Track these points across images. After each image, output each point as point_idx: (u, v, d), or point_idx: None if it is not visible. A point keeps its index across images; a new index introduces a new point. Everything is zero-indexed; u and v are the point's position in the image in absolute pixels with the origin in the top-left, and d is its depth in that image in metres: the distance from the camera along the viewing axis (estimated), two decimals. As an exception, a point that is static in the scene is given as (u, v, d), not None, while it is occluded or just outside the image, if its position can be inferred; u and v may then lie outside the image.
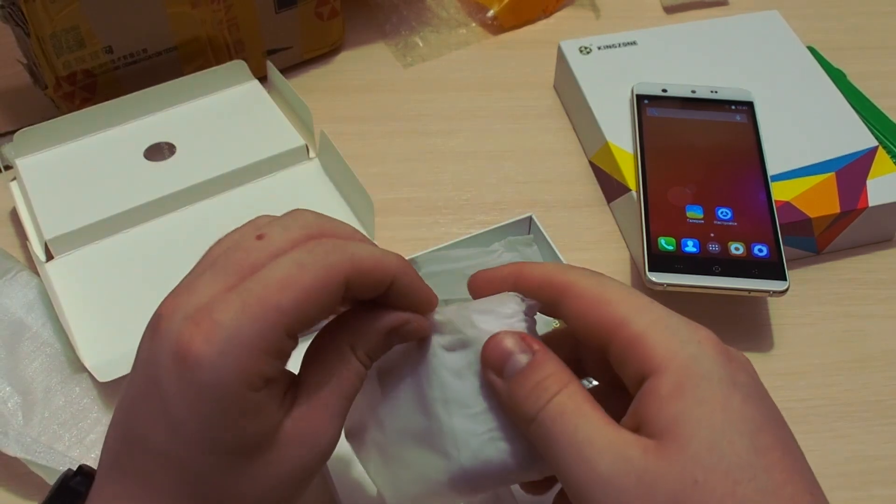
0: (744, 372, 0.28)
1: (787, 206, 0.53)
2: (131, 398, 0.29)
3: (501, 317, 0.31)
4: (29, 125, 0.56)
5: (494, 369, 0.30)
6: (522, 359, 0.29)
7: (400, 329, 0.31)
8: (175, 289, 0.29)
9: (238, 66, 0.61)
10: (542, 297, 0.31)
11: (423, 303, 0.32)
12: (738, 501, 0.25)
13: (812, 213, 0.53)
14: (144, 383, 0.28)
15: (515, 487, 0.40)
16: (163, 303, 0.29)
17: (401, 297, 0.31)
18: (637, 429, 0.27)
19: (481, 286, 0.33)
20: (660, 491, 0.25)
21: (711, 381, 0.27)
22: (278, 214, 0.31)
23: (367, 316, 0.31)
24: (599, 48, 0.63)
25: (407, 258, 0.49)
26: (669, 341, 0.27)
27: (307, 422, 0.29)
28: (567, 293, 0.30)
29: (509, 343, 0.30)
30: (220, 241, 0.31)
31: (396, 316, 0.31)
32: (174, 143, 0.58)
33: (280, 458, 0.28)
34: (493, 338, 0.30)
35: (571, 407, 0.27)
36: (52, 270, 0.52)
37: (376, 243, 0.52)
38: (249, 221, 0.31)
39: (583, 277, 0.30)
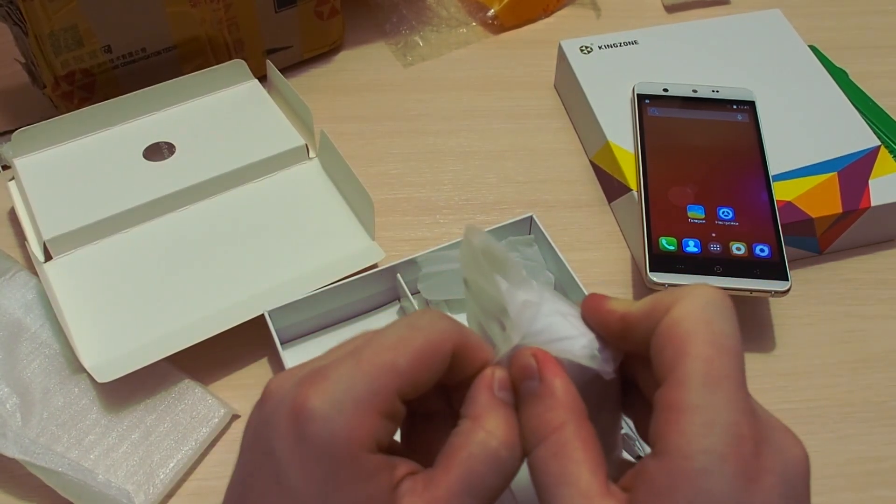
0: (768, 494, 0.25)
1: (788, 205, 0.53)
2: (242, 476, 0.28)
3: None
4: (27, 125, 0.56)
5: (517, 384, 0.30)
6: (533, 385, 0.29)
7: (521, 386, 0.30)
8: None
9: (238, 65, 0.61)
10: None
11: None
12: None
13: (814, 213, 0.52)
14: (256, 454, 0.27)
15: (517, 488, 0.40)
16: (270, 381, 0.28)
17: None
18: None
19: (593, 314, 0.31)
20: None
21: (710, 501, 0.24)
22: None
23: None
24: (600, 47, 0.63)
25: (407, 258, 0.49)
26: (693, 441, 0.25)
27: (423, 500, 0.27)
28: (668, 314, 0.28)
29: (527, 362, 0.29)
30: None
31: (512, 374, 0.30)
32: (173, 142, 0.58)
33: None
34: (518, 352, 0.30)
35: (564, 450, 0.27)
36: (50, 271, 0.51)
37: (376, 244, 0.52)
38: None
39: (693, 302, 0.28)
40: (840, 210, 0.53)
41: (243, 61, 0.61)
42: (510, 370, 0.30)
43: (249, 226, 0.54)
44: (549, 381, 0.28)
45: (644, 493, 0.25)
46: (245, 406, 0.48)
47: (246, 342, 0.50)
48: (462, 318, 0.45)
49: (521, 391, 0.29)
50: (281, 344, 0.47)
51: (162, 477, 0.44)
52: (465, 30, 0.71)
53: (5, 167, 0.57)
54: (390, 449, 0.28)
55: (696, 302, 0.27)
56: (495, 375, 0.29)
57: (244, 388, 0.49)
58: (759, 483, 0.25)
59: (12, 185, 0.56)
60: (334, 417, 0.25)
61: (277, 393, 0.27)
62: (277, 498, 0.26)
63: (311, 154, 0.59)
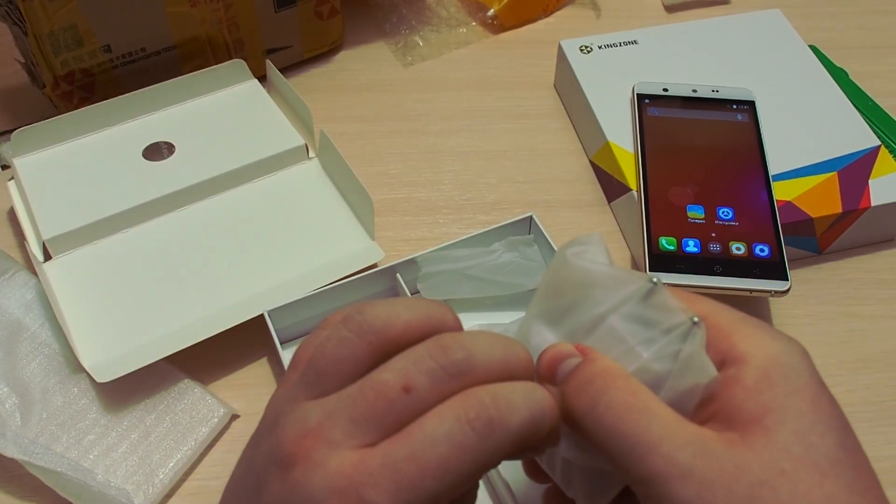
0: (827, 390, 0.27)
1: (788, 205, 0.53)
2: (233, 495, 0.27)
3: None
4: (27, 124, 0.56)
5: (548, 377, 0.29)
6: (573, 361, 0.28)
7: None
8: (303, 415, 0.26)
9: (237, 65, 0.61)
10: None
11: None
12: (824, 495, 0.24)
13: (814, 213, 0.52)
14: (245, 484, 0.27)
15: (516, 483, 0.40)
16: (287, 430, 0.26)
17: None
18: (712, 417, 0.27)
19: None
20: (745, 480, 0.25)
21: (802, 375, 0.26)
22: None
23: None
24: (600, 47, 0.63)
25: (407, 258, 0.49)
26: (758, 334, 0.27)
27: None
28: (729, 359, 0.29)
29: (561, 348, 0.29)
30: (322, 354, 0.28)
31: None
32: (173, 142, 0.58)
33: None
34: (546, 350, 0.29)
35: (637, 403, 0.27)
36: (50, 270, 0.51)
37: (376, 244, 0.52)
38: (350, 335, 0.27)
39: (762, 351, 0.28)
40: (840, 210, 0.53)
41: (243, 61, 0.61)
42: (538, 368, 0.29)
43: (249, 226, 0.54)
44: (593, 352, 0.29)
45: (739, 397, 0.26)
46: (245, 406, 0.48)
47: (245, 342, 0.50)
48: (463, 318, 0.45)
49: (559, 374, 0.28)
50: (280, 344, 0.47)
51: (161, 477, 0.44)
52: (464, 30, 0.70)
53: (5, 167, 0.57)
54: None
55: (767, 352, 0.28)
56: None
57: (244, 387, 0.49)
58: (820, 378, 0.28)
59: (12, 184, 0.56)
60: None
61: (304, 478, 0.25)
62: None
63: (311, 154, 0.59)
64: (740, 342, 0.27)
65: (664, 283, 0.29)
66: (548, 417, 0.27)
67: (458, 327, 0.29)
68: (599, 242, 0.30)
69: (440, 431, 0.25)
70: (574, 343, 0.30)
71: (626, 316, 0.29)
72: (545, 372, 0.29)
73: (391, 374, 0.26)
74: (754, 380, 0.26)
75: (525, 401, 0.26)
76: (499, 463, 0.26)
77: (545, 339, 0.30)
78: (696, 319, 0.27)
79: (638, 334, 0.29)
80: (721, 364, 0.27)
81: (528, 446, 0.27)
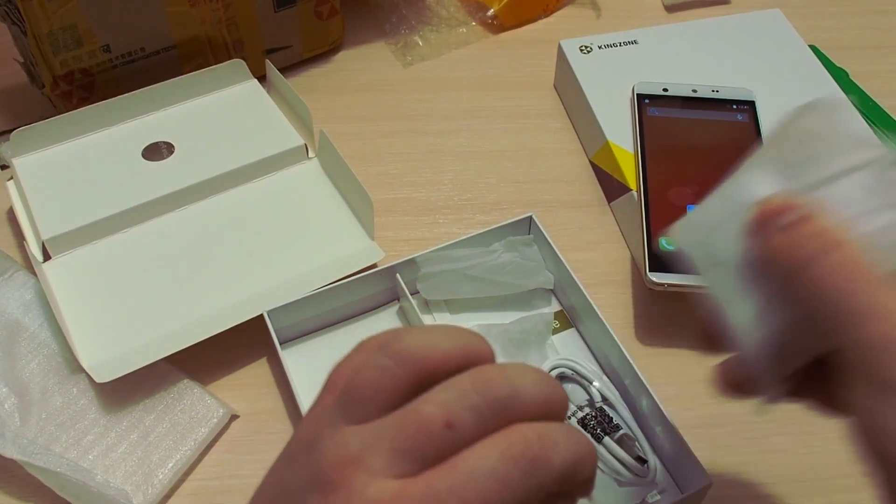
0: None
1: (788, 205, 0.53)
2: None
3: None
4: (26, 124, 0.56)
5: (762, 223, 0.29)
6: (800, 211, 0.28)
7: None
8: (343, 441, 0.26)
9: (237, 65, 0.61)
10: None
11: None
12: None
13: (814, 213, 0.52)
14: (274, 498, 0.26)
15: None
16: (327, 455, 0.26)
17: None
18: None
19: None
20: None
21: None
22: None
23: None
24: (600, 47, 0.63)
25: (407, 258, 0.49)
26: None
27: None
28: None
29: (791, 200, 0.29)
30: (359, 380, 0.27)
31: None
32: (173, 142, 0.58)
33: None
34: (771, 198, 0.29)
35: (867, 269, 0.27)
36: (49, 270, 0.51)
37: (376, 244, 0.52)
38: (389, 362, 0.27)
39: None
40: (840, 210, 0.53)
41: (243, 61, 0.61)
42: (759, 212, 0.29)
43: (248, 226, 0.54)
44: (815, 212, 0.28)
45: None
46: (244, 406, 0.48)
47: (245, 342, 0.50)
48: (463, 318, 0.45)
49: (784, 219, 0.29)
50: (280, 344, 0.47)
51: (160, 477, 0.44)
52: (464, 30, 0.70)
53: (4, 167, 0.57)
54: None
55: None
56: None
57: (243, 388, 0.49)
58: None
59: (11, 184, 0.56)
60: None
61: (316, 458, 0.25)
62: None
63: (311, 154, 0.59)
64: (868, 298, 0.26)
65: None
66: (588, 462, 0.27)
67: (492, 357, 0.28)
68: (850, 107, 0.29)
69: (484, 466, 0.25)
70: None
71: (861, 183, 0.28)
72: (762, 218, 0.29)
73: (434, 407, 0.26)
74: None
75: (568, 442, 0.26)
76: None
77: (765, 188, 0.30)
78: None
79: (868, 203, 0.28)
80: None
81: (565, 489, 0.26)
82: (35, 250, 0.52)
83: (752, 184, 0.30)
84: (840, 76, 0.65)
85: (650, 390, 0.44)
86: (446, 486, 0.24)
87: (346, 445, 0.26)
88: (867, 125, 0.29)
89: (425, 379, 0.27)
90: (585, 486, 0.27)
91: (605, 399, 0.46)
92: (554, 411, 0.27)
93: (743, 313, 0.30)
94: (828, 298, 0.27)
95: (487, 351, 0.28)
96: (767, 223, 0.29)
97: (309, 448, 0.27)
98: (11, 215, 0.56)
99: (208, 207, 0.55)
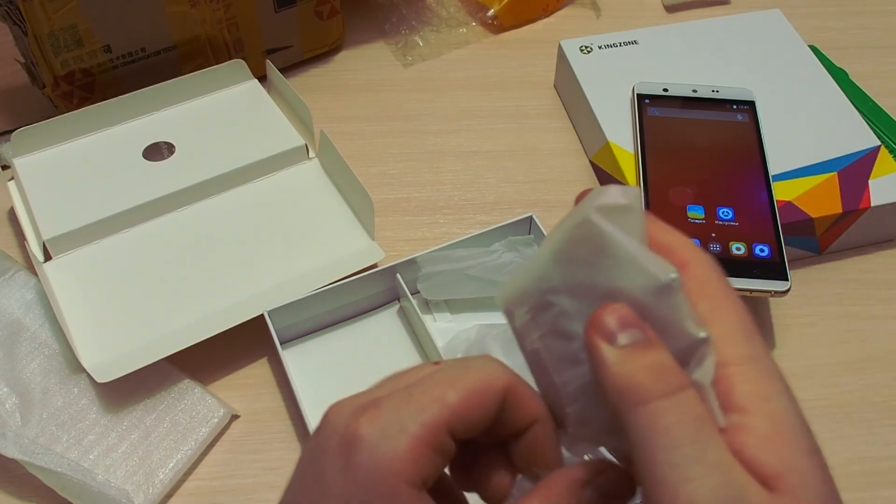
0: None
1: (788, 205, 0.53)
2: (293, 491, 0.28)
3: None
4: (27, 125, 0.56)
5: (605, 334, 0.27)
6: (637, 335, 0.26)
7: (593, 482, 0.28)
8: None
9: (237, 65, 0.61)
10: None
11: (550, 461, 0.29)
12: None
13: (814, 213, 0.52)
14: (306, 472, 0.27)
15: None
16: (329, 408, 0.28)
17: (532, 448, 0.29)
18: None
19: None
20: None
21: (808, 436, 0.25)
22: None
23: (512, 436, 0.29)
24: (600, 47, 0.63)
25: (407, 258, 0.49)
26: (763, 384, 0.26)
27: None
28: (687, 271, 0.28)
29: (631, 316, 0.27)
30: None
31: (581, 470, 0.28)
32: (173, 142, 0.58)
33: None
34: (613, 304, 0.27)
35: (704, 419, 0.25)
36: (50, 271, 0.51)
37: (376, 244, 0.52)
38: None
39: (704, 257, 0.28)
40: (840, 210, 0.53)
41: (243, 61, 0.61)
42: (597, 317, 0.27)
43: (249, 226, 0.54)
44: (655, 337, 0.27)
45: (755, 447, 0.25)
46: (244, 406, 0.48)
47: (245, 342, 0.50)
48: (463, 318, 0.45)
49: (622, 338, 0.26)
50: (280, 344, 0.47)
51: (161, 477, 0.44)
52: (464, 30, 0.70)
53: (5, 167, 0.57)
54: (439, 483, 0.28)
55: (710, 264, 0.28)
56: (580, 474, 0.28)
57: (244, 388, 0.49)
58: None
59: (12, 184, 0.56)
60: (379, 443, 0.26)
61: (333, 420, 0.27)
62: None
63: (311, 154, 0.59)
64: (742, 387, 0.26)
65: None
66: (541, 405, 0.29)
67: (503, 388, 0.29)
68: (634, 209, 0.26)
69: (449, 362, 0.29)
70: (578, 310, 0.28)
71: (636, 305, 0.27)
72: (604, 328, 0.27)
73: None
74: (767, 431, 0.25)
75: None
76: (499, 402, 0.28)
77: (549, 287, 0.28)
78: (703, 335, 0.25)
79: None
80: (724, 406, 0.26)
81: (523, 410, 0.28)
82: (36, 250, 0.52)
83: (539, 281, 0.28)
84: (840, 76, 0.65)
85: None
86: (417, 377, 0.28)
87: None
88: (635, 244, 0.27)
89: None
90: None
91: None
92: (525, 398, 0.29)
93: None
94: (652, 443, 0.25)
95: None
96: (604, 335, 0.27)
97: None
98: (12, 215, 0.56)
99: (209, 207, 0.55)
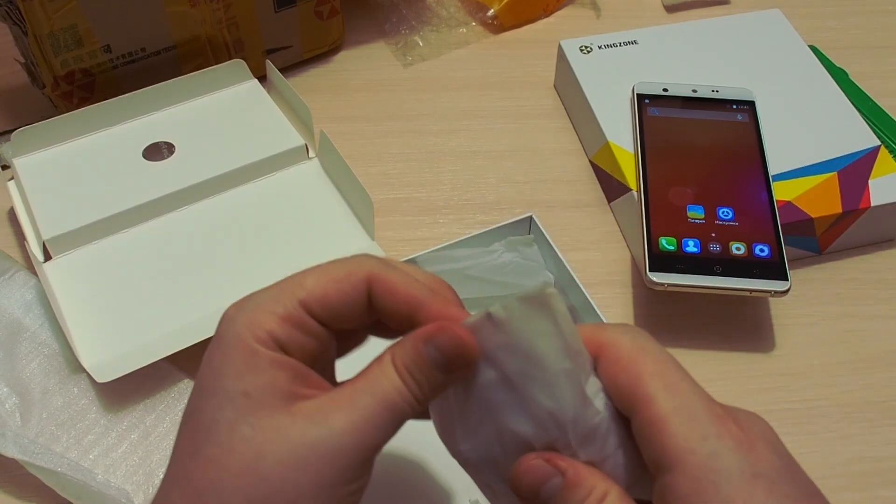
0: (766, 455, 0.27)
1: (788, 205, 0.53)
2: None
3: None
4: (27, 124, 0.56)
5: (532, 498, 0.29)
6: (556, 482, 0.29)
7: (434, 338, 0.29)
8: None
9: (237, 65, 0.61)
10: None
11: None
12: None
13: (814, 213, 0.52)
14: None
15: None
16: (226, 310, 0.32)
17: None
18: None
19: None
20: None
21: (731, 478, 0.26)
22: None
23: (409, 331, 0.30)
24: (600, 47, 0.63)
25: (407, 258, 0.49)
26: (689, 435, 0.27)
27: (322, 403, 0.28)
28: (603, 354, 0.29)
29: (540, 469, 0.29)
30: None
31: (429, 326, 0.30)
32: (173, 142, 0.58)
33: (286, 428, 0.27)
34: (519, 466, 0.29)
35: None
36: (50, 270, 0.51)
37: (376, 244, 0.52)
38: None
39: (621, 336, 0.29)
40: (840, 210, 0.53)
41: (243, 61, 0.61)
42: (515, 486, 0.30)
43: (249, 226, 0.54)
44: (573, 471, 0.29)
45: (678, 501, 0.27)
46: (244, 406, 0.48)
47: (245, 342, 0.50)
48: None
49: (545, 493, 0.29)
50: (280, 344, 0.47)
51: (161, 477, 0.44)
52: (464, 30, 0.70)
53: (5, 167, 0.57)
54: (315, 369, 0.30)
55: (625, 337, 0.29)
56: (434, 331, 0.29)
57: (244, 388, 0.49)
58: (757, 449, 0.27)
59: (12, 184, 0.56)
60: (236, 317, 0.30)
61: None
62: (195, 390, 0.30)
63: (311, 154, 0.59)
64: (672, 442, 0.27)
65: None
66: (415, 290, 0.31)
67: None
68: (551, 306, 0.28)
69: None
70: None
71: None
72: (528, 494, 0.29)
73: None
74: (686, 492, 0.26)
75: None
76: (363, 285, 0.30)
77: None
78: (568, 365, 0.28)
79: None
80: (657, 464, 0.27)
81: (393, 298, 0.30)
82: (36, 250, 0.52)
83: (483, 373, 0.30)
84: (840, 76, 0.65)
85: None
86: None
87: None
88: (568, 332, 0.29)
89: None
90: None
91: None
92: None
93: None
94: None
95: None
96: (534, 498, 0.29)
97: None
98: (12, 215, 0.56)
99: (209, 207, 0.55)
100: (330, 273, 0.30)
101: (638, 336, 0.30)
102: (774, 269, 0.48)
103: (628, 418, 0.29)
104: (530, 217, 0.52)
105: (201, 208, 0.55)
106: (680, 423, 0.27)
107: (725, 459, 0.26)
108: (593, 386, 0.29)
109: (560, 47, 0.63)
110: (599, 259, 0.55)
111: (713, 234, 0.50)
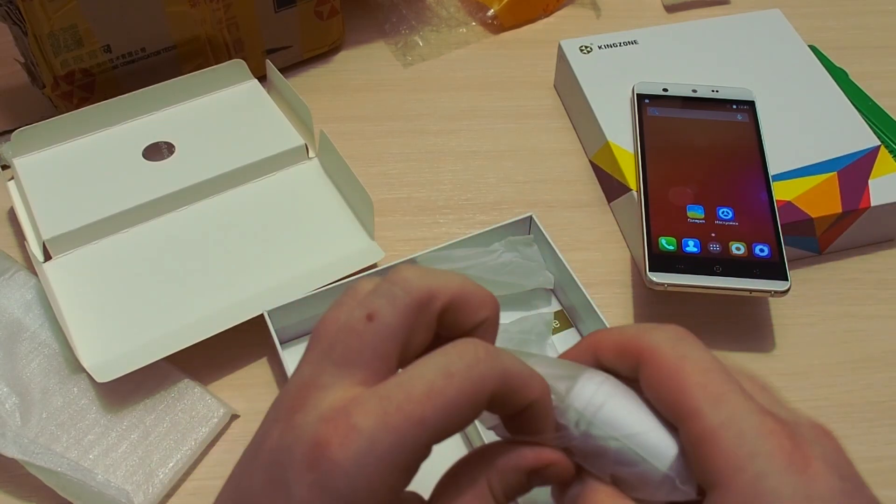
0: (823, 476, 0.26)
1: (788, 205, 0.53)
2: (250, 490, 0.27)
3: None
4: (27, 124, 0.56)
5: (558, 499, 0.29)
6: (577, 488, 0.28)
7: (543, 471, 0.28)
8: (299, 376, 0.28)
9: (237, 65, 0.61)
10: (622, 364, 0.29)
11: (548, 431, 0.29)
12: None
13: (814, 213, 0.52)
14: (269, 478, 0.26)
15: None
16: (288, 387, 0.27)
17: (530, 422, 0.28)
18: None
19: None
20: None
21: (781, 501, 0.25)
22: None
23: (510, 452, 0.28)
24: (600, 47, 0.63)
25: (407, 258, 0.49)
26: (737, 452, 0.25)
27: None
28: (643, 362, 0.28)
29: (567, 468, 0.28)
30: (324, 320, 0.29)
31: (542, 456, 0.28)
32: (173, 142, 0.58)
33: None
34: (552, 469, 0.29)
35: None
36: (49, 270, 0.51)
37: (376, 244, 0.52)
38: (348, 290, 0.30)
39: (661, 344, 0.28)
40: (840, 210, 0.53)
41: (243, 61, 0.61)
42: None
43: (249, 226, 0.54)
44: (588, 482, 0.28)
45: None
46: (245, 406, 0.48)
47: (245, 342, 0.50)
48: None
49: (567, 499, 0.29)
50: (280, 344, 0.47)
51: (161, 477, 0.44)
52: (464, 30, 0.70)
53: (5, 167, 0.57)
54: None
55: (666, 345, 0.28)
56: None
57: (244, 387, 0.49)
58: (812, 469, 0.25)
59: (12, 184, 0.56)
60: (355, 474, 0.24)
61: (301, 420, 0.26)
62: None
63: (311, 154, 0.59)
64: (720, 460, 0.26)
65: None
66: (537, 386, 0.27)
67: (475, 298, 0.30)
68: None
69: (429, 363, 0.26)
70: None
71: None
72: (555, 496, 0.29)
73: (358, 309, 0.28)
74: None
75: (515, 360, 0.27)
76: (484, 406, 0.26)
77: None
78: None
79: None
80: (705, 481, 0.26)
81: (515, 400, 0.27)
82: (36, 250, 0.52)
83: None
84: (840, 76, 0.65)
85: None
86: (393, 384, 0.25)
87: (302, 374, 0.27)
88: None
89: None
90: (549, 467, 0.28)
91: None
92: (475, 299, 0.29)
93: None
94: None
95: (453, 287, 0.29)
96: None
97: (281, 392, 0.28)
98: (12, 215, 0.56)
99: (209, 207, 0.55)
100: (450, 401, 0.26)
101: (679, 342, 0.28)
102: (774, 269, 0.48)
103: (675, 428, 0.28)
104: (530, 217, 0.52)
105: (201, 208, 0.55)
106: (727, 439, 0.26)
107: (774, 481, 0.25)
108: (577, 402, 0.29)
109: (560, 47, 0.63)
110: (599, 259, 0.55)
111: (713, 234, 0.50)
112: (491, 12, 0.71)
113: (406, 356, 0.28)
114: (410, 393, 0.25)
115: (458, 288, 0.28)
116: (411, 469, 0.25)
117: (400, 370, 0.27)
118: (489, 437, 0.42)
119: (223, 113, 0.60)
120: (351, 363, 0.27)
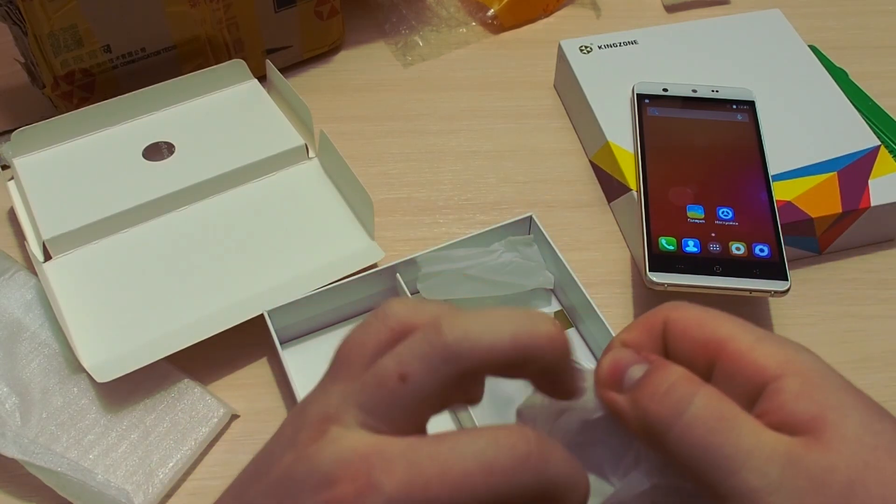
0: None
1: (788, 205, 0.53)
2: None
3: None
4: (27, 124, 0.56)
5: (611, 384, 0.28)
6: (639, 368, 0.27)
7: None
8: (320, 405, 0.26)
9: (237, 65, 0.61)
10: (696, 359, 0.28)
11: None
12: None
13: (814, 213, 0.52)
14: (275, 502, 0.25)
15: None
16: (309, 411, 0.26)
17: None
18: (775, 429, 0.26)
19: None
20: (835, 482, 0.24)
21: (836, 375, 0.27)
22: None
23: None
24: (600, 47, 0.63)
25: (407, 258, 0.49)
26: (779, 351, 0.27)
27: None
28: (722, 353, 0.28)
29: (624, 355, 0.28)
30: (349, 343, 0.27)
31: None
32: (173, 142, 0.58)
33: None
34: (605, 356, 0.28)
35: (726, 410, 0.26)
36: (49, 270, 0.51)
37: (376, 244, 0.52)
38: (377, 312, 0.27)
39: (741, 332, 0.29)
40: (840, 210, 0.53)
41: (243, 61, 0.61)
42: (597, 373, 0.28)
43: (249, 226, 0.54)
44: (659, 359, 0.28)
45: (790, 405, 0.26)
46: (245, 406, 0.48)
47: (245, 342, 0.50)
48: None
49: (627, 381, 0.27)
50: (280, 344, 0.47)
51: (161, 477, 0.44)
52: (464, 30, 0.70)
53: (5, 167, 0.57)
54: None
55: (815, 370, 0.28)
56: None
57: (244, 387, 0.49)
58: None
59: (12, 184, 0.56)
60: None
61: (317, 452, 0.24)
62: None
63: (311, 154, 0.59)
64: (766, 362, 0.27)
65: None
66: (581, 487, 0.25)
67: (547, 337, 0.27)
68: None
69: (472, 446, 0.24)
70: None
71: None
72: (608, 380, 0.28)
73: (391, 360, 0.25)
74: (798, 385, 0.26)
75: (567, 458, 0.25)
76: None
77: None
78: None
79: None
80: (757, 387, 0.27)
81: (554, 498, 0.25)
82: (36, 250, 0.52)
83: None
84: (840, 76, 0.65)
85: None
86: (428, 453, 0.23)
87: (328, 402, 0.26)
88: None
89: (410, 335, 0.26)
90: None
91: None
92: (532, 353, 0.26)
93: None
94: (696, 453, 0.25)
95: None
96: (614, 383, 0.28)
97: (298, 412, 0.27)
98: (12, 215, 0.56)
99: (209, 207, 0.55)
100: (480, 493, 0.24)
101: (757, 330, 0.29)
102: (774, 269, 0.48)
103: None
104: (530, 217, 0.52)
105: (201, 208, 0.55)
106: (771, 346, 0.28)
107: (823, 364, 0.28)
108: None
109: (560, 47, 0.63)
110: (599, 259, 0.55)
111: (713, 234, 0.50)
112: (491, 12, 0.71)
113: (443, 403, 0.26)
114: (444, 474, 0.23)
115: (509, 345, 0.25)
116: None
117: (432, 432, 0.25)
118: (481, 421, 0.42)
119: (223, 113, 0.60)
120: (378, 415, 0.25)
